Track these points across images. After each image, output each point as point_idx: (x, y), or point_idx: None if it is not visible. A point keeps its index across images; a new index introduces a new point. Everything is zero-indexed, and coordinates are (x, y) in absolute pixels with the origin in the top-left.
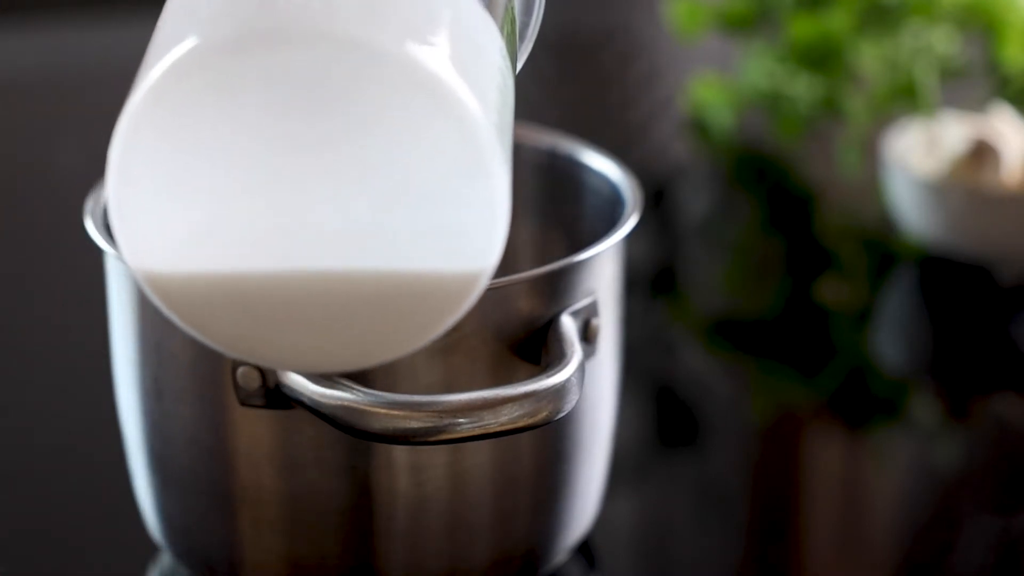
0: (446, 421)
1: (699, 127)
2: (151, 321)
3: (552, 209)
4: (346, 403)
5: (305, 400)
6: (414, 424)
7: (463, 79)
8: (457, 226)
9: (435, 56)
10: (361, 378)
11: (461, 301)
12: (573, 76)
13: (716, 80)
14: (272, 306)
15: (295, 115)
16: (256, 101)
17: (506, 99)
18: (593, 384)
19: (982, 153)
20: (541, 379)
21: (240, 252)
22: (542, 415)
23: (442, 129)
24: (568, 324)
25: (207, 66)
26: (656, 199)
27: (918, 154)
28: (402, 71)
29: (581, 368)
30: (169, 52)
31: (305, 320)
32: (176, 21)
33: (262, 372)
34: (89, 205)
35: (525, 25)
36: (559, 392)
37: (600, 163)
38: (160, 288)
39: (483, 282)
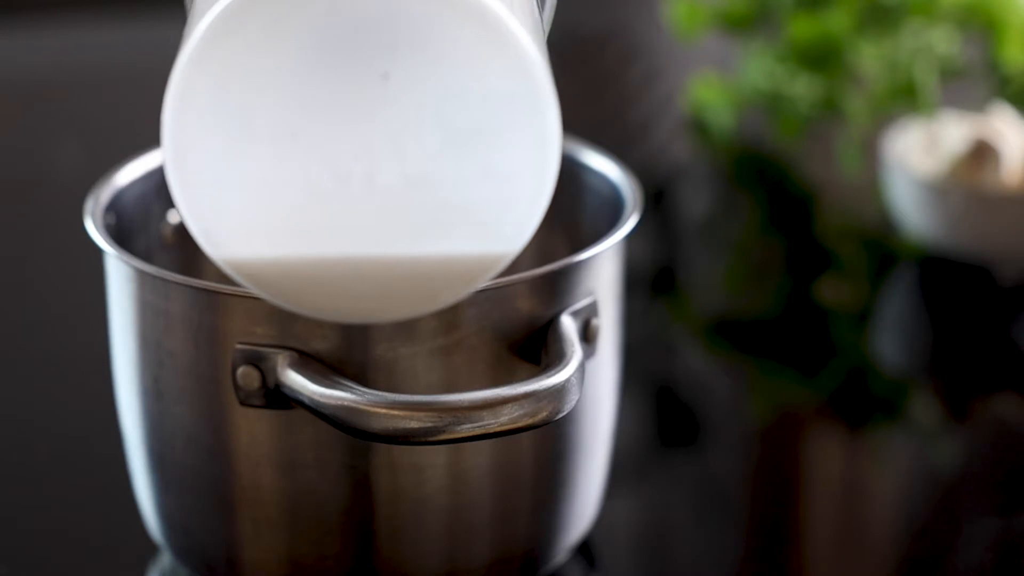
0: (446, 421)
1: (699, 127)
2: (151, 321)
3: (552, 209)
4: (346, 403)
5: (305, 400)
6: (414, 424)
7: (518, 20)
8: (512, 167)
9: None
10: (361, 378)
11: (514, 244)
12: (573, 76)
13: (716, 80)
14: (330, 257)
15: (352, 55)
16: (313, 42)
17: (543, 47)
18: (593, 384)
19: (982, 153)
20: (541, 379)
21: (298, 205)
22: (542, 415)
23: (501, 67)
24: (568, 324)
25: (262, 9)
26: (656, 199)
27: (918, 154)
28: (463, 8)
29: (581, 368)
30: (214, 6)
31: (362, 270)
32: None
33: (262, 372)
34: (89, 205)
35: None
36: (559, 392)
37: (600, 163)
38: (218, 246)
39: (535, 224)
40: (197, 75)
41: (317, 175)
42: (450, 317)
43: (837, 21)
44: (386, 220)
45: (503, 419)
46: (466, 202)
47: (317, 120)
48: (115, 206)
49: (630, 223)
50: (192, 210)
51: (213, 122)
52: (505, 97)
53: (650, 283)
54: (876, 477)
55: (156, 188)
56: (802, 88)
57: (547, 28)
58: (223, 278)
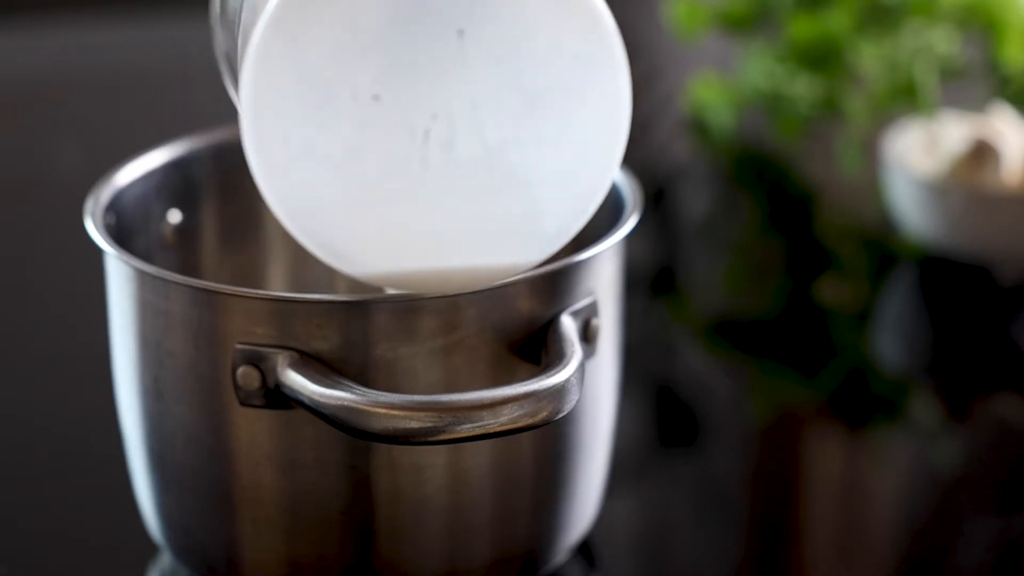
0: (446, 421)
1: (699, 127)
2: (151, 321)
3: None
4: (346, 403)
5: (305, 400)
6: (414, 424)
7: None
8: (586, 128)
9: None
10: (361, 378)
11: (589, 205)
12: None
13: (716, 80)
14: (410, 226)
15: (428, 13)
16: (389, 2)
17: None
18: (593, 384)
19: (982, 153)
20: (541, 379)
21: (379, 173)
22: (542, 415)
23: (575, 27)
24: (568, 324)
25: None
26: (656, 199)
27: (918, 154)
28: None
29: (581, 368)
30: None
31: (443, 238)
32: None
33: (262, 372)
34: (89, 205)
35: None
36: (559, 392)
37: None
38: (295, 218)
39: (609, 183)
40: (275, 42)
41: (398, 140)
42: (450, 317)
43: (837, 21)
44: (466, 185)
45: (503, 419)
46: (543, 164)
47: (396, 81)
48: (115, 206)
49: (630, 223)
50: (270, 182)
51: (293, 91)
52: (579, 57)
53: (650, 283)
54: (876, 477)
55: (156, 188)
56: (802, 88)
57: None
58: (223, 278)
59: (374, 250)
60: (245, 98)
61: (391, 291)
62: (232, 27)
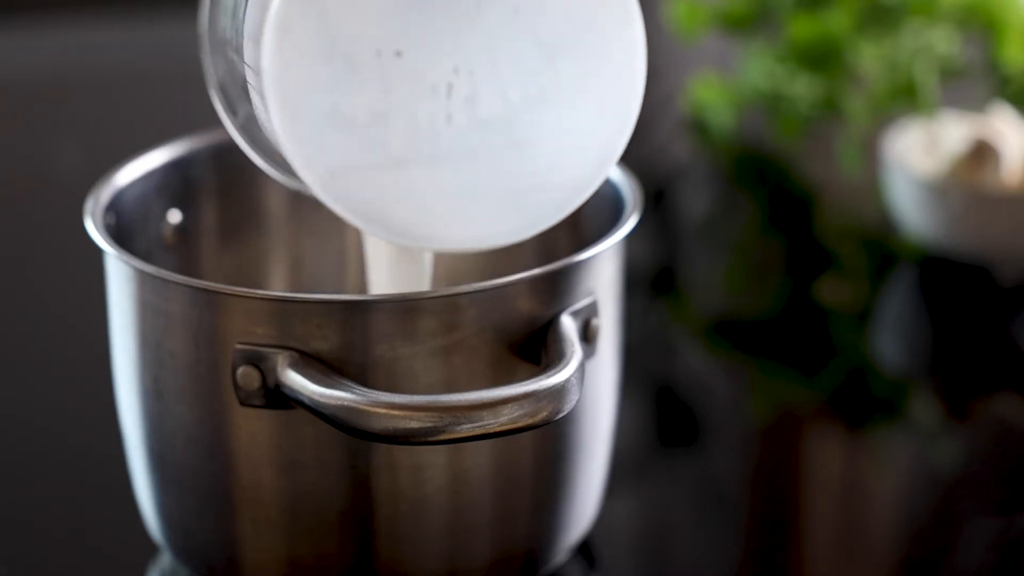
0: (446, 421)
1: (699, 127)
2: (151, 321)
3: None
4: (346, 403)
5: (305, 400)
6: (414, 424)
7: None
8: (602, 82)
9: None
10: (361, 378)
11: (606, 163)
12: None
13: (716, 80)
14: (435, 184)
15: None
16: None
17: None
18: (593, 384)
19: (982, 153)
20: (541, 379)
21: (405, 132)
22: (542, 415)
23: None
24: (568, 324)
25: None
26: (656, 199)
27: (918, 154)
28: None
29: (581, 368)
30: None
31: (466, 196)
32: None
33: (262, 372)
34: (89, 205)
35: None
36: (559, 392)
37: None
38: (324, 182)
39: (625, 141)
40: (296, 6)
41: (422, 98)
42: (450, 317)
43: (837, 21)
44: (491, 143)
45: (503, 419)
46: (563, 122)
47: (417, 36)
48: (115, 206)
49: (630, 223)
50: (299, 149)
51: (317, 54)
52: (594, 10)
53: (650, 283)
54: (876, 477)
55: (156, 188)
56: (802, 88)
57: None
58: (223, 278)
59: (403, 211)
60: (268, 68)
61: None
62: (224, 49)
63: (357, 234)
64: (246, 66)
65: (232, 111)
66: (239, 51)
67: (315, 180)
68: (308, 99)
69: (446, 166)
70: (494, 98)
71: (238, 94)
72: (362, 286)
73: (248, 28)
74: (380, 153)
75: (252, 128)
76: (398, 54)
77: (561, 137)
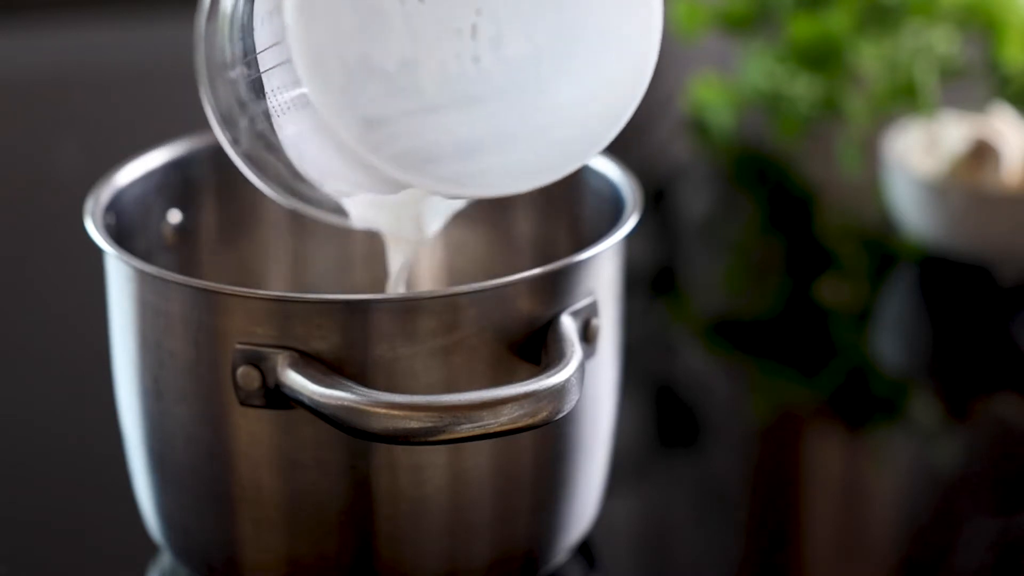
0: (446, 421)
1: (699, 127)
2: (151, 321)
3: (552, 209)
4: (346, 403)
5: (305, 400)
6: (414, 424)
7: None
8: (622, 20)
9: None
10: (361, 378)
11: (629, 105)
12: None
13: (716, 80)
14: (462, 127)
15: None
16: None
17: None
18: (593, 384)
19: (982, 153)
20: (541, 379)
21: (431, 77)
22: (542, 415)
23: None
24: (568, 324)
25: None
26: (656, 199)
27: (918, 154)
28: None
29: (581, 368)
30: None
31: (494, 136)
32: None
33: (262, 372)
34: (89, 205)
35: None
36: (559, 392)
37: (600, 163)
38: (362, 136)
39: (648, 80)
40: None
41: (448, 42)
42: (450, 317)
43: (837, 21)
44: (519, 82)
45: (503, 419)
46: (586, 64)
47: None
48: (115, 206)
49: (630, 223)
50: (330, 103)
51: (340, 2)
52: None
53: (650, 283)
54: (876, 477)
55: (156, 188)
56: (802, 88)
57: None
58: (223, 278)
59: (441, 158)
60: (294, 23)
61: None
62: (224, 72)
63: (358, 234)
64: (257, 57)
65: (236, 141)
66: (245, 56)
67: (351, 133)
68: (336, 50)
69: (478, 108)
70: (519, 38)
71: (241, 117)
72: (362, 286)
73: (259, 8)
74: (413, 99)
75: (257, 154)
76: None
77: (588, 73)
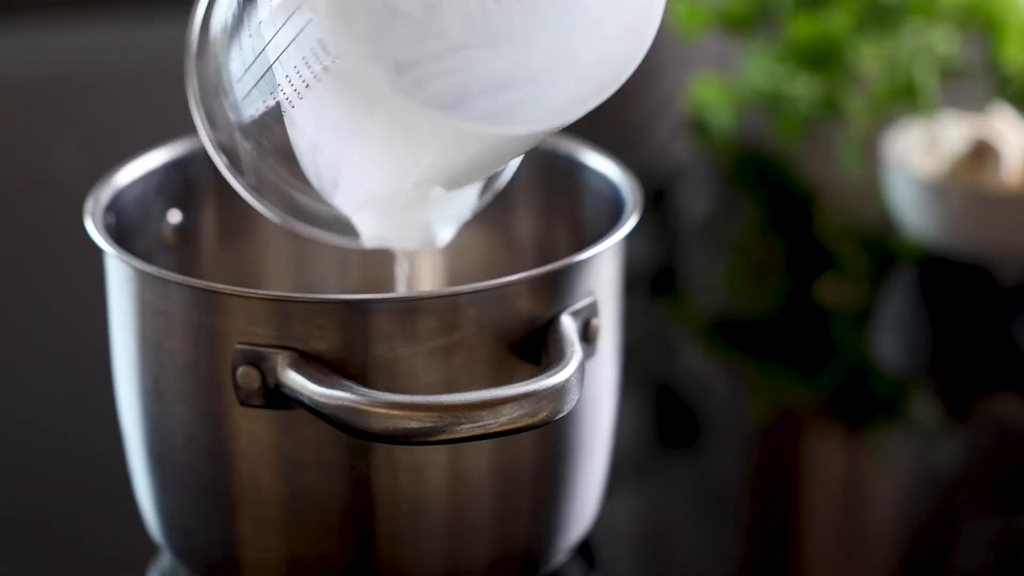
0: (446, 421)
1: (699, 127)
2: (151, 321)
3: (552, 209)
4: (346, 403)
5: (305, 400)
6: (414, 424)
7: None
8: None
9: None
10: (361, 378)
11: (646, 34)
12: None
13: (716, 80)
14: (498, 62)
15: None
16: None
17: None
18: (593, 384)
19: (982, 153)
20: (541, 379)
21: (458, 22)
22: (542, 415)
23: None
24: (568, 324)
25: None
26: (656, 199)
27: (918, 154)
28: None
29: (581, 368)
30: None
31: (529, 69)
32: None
33: (262, 372)
34: (89, 205)
35: None
36: (559, 392)
37: (600, 163)
38: (394, 80)
39: (660, 15)
40: None
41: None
42: (450, 317)
43: (837, 21)
44: (539, 19)
45: (503, 419)
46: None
47: None
48: (115, 206)
49: (630, 223)
50: (358, 45)
51: None
52: None
53: (650, 283)
54: (876, 477)
55: (156, 188)
56: (802, 88)
57: None
58: (223, 278)
59: (473, 96)
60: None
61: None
62: (219, 96)
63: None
64: (267, 48)
65: (241, 172)
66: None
67: (383, 79)
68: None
69: (503, 45)
70: None
71: (243, 142)
72: (362, 286)
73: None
74: (439, 41)
75: (261, 176)
76: None
77: (603, 16)
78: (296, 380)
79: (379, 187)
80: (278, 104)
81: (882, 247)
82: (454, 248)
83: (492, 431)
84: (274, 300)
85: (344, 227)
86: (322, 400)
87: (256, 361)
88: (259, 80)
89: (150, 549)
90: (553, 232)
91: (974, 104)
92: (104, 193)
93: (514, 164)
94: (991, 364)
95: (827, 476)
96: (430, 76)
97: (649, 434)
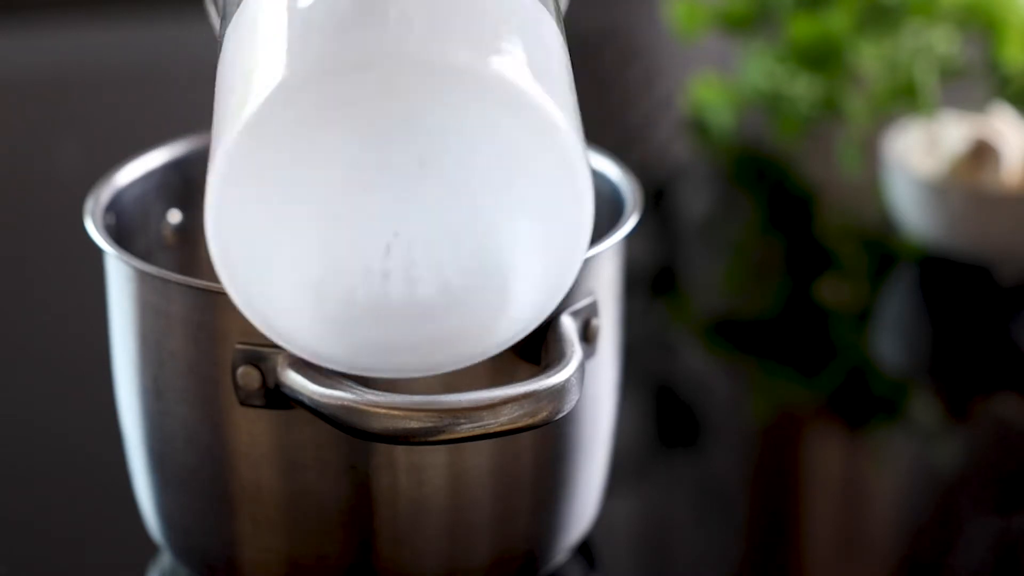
0: (446, 421)
1: (699, 127)
2: (151, 321)
3: None
4: (346, 403)
5: (305, 400)
6: (414, 424)
7: (544, 89)
8: (545, 226)
9: (518, 72)
10: (361, 378)
11: (549, 301)
12: (573, 76)
13: (716, 80)
14: (373, 334)
15: (387, 139)
16: (349, 129)
17: (570, 82)
18: (593, 384)
19: (982, 153)
20: (541, 379)
21: (343, 278)
22: (542, 415)
23: (532, 144)
24: (568, 324)
25: (299, 99)
26: (656, 199)
27: (918, 154)
28: (502, 95)
29: (581, 368)
30: (258, 87)
31: (405, 342)
32: (255, 48)
33: (262, 372)
34: (89, 205)
35: None
36: (559, 392)
37: (600, 163)
38: (267, 320)
39: (571, 280)
40: (243, 156)
41: (359, 261)
42: None
43: (837, 21)
44: (430, 307)
45: (503, 419)
46: (504, 263)
47: (357, 203)
48: (115, 206)
49: (630, 223)
50: (236, 286)
51: (257, 205)
52: (542, 183)
53: (650, 283)
54: (876, 477)
55: (156, 188)
56: (802, 88)
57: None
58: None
59: (355, 353)
60: (210, 208)
61: None
62: None
63: None
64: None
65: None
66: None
67: (255, 318)
68: (246, 247)
69: (391, 323)
70: (430, 266)
71: None
72: None
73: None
74: (317, 307)
75: None
76: (336, 217)
77: (516, 280)
78: (296, 380)
79: None
80: None
81: (882, 247)
82: None
83: (492, 431)
84: None
85: None
86: (322, 400)
87: (256, 361)
88: None
89: (150, 549)
90: None
91: (974, 104)
92: (104, 193)
93: None
94: (991, 364)
95: (827, 476)
96: (308, 335)
97: (649, 434)
